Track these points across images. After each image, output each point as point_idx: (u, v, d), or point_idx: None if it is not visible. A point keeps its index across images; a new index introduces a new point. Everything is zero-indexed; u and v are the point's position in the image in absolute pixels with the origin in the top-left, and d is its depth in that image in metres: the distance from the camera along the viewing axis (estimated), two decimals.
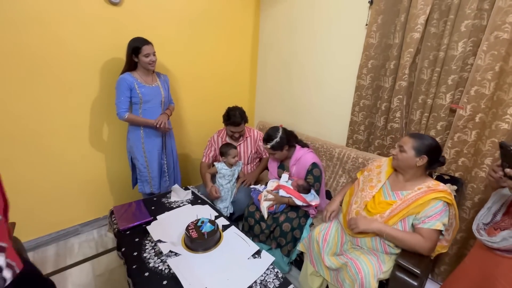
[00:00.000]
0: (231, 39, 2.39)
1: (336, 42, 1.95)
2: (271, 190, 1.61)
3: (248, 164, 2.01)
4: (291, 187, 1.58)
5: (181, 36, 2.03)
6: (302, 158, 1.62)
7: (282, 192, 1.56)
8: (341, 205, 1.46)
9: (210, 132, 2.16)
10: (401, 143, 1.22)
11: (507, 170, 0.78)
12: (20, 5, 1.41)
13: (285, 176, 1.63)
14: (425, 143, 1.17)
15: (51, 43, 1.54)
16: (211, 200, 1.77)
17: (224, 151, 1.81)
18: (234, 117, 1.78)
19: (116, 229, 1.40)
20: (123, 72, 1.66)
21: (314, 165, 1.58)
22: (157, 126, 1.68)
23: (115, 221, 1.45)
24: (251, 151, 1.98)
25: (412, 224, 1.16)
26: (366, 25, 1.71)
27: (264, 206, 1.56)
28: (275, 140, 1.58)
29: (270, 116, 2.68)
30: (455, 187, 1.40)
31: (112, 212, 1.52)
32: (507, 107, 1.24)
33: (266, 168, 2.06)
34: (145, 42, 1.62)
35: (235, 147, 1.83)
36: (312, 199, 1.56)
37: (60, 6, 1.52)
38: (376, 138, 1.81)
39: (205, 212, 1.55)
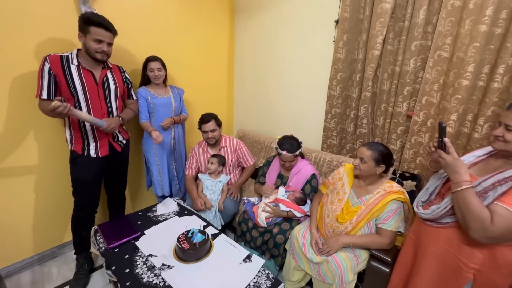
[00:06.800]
0: (207, 50, 2.44)
1: (308, 56, 2.11)
2: (269, 203, 1.68)
3: (230, 173, 2.06)
4: (289, 200, 1.66)
5: (156, 49, 2.03)
6: (303, 169, 1.73)
7: (282, 207, 1.64)
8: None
9: (191, 144, 2.18)
10: (361, 155, 1.32)
11: (445, 139, 0.89)
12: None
13: (282, 190, 1.71)
14: (381, 153, 1.30)
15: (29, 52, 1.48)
16: (197, 211, 1.80)
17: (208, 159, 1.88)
18: (204, 115, 1.89)
19: (103, 248, 1.38)
20: (139, 85, 1.88)
21: (314, 176, 1.71)
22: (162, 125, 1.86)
23: (100, 239, 1.43)
24: (232, 160, 2.04)
25: (376, 224, 1.33)
26: (334, 41, 1.89)
27: (262, 217, 1.63)
28: (301, 147, 1.68)
29: (249, 124, 2.78)
30: (414, 183, 1.62)
31: (96, 231, 1.49)
32: (450, 113, 1.49)
33: (250, 177, 2.14)
34: (152, 58, 1.81)
35: (217, 157, 1.89)
36: (308, 209, 1.66)
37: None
38: (347, 143, 2.00)
39: (193, 222, 1.59)
